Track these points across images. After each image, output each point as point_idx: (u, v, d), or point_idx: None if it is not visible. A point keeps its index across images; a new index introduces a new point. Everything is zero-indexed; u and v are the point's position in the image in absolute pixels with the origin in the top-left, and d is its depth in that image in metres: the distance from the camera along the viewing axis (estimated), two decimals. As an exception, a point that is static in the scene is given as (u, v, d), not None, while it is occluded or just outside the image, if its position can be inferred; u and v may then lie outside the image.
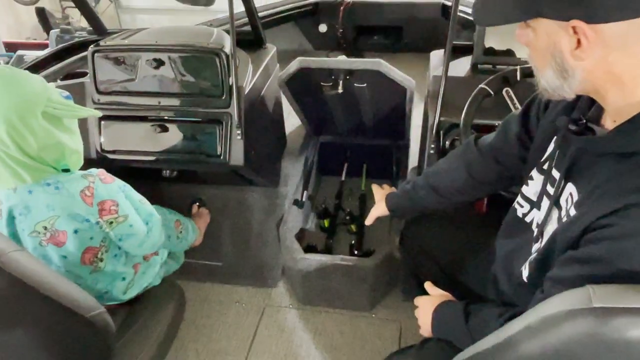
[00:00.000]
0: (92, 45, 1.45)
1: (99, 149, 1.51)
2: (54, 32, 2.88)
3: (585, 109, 0.78)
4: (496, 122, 1.28)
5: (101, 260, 1.16)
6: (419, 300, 1.09)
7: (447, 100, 1.32)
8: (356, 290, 1.63)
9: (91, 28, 1.94)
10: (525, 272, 0.85)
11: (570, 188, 0.76)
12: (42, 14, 3.57)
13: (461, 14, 2.14)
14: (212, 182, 1.78)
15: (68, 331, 0.93)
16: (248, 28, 1.83)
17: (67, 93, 1.10)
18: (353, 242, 1.85)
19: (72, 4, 1.91)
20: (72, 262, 1.11)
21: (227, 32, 1.42)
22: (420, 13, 3.04)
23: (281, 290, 1.81)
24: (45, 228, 1.06)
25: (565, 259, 0.70)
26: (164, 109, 1.48)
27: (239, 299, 1.79)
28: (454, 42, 1.29)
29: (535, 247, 0.83)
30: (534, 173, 0.90)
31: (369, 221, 1.38)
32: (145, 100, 1.48)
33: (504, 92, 1.29)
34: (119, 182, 1.16)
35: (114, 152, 1.51)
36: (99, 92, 1.49)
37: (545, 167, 0.86)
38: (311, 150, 2.13)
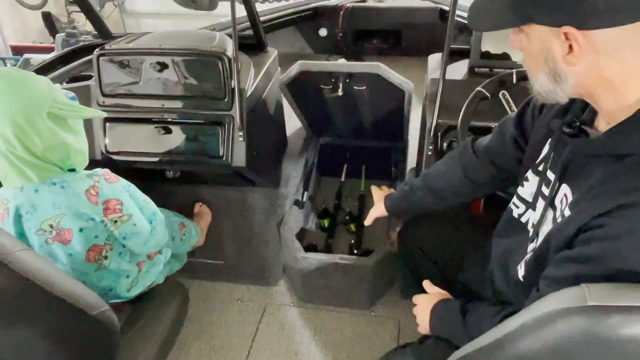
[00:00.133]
0: (97, 49, 1.46)
1: (104, 151, 1.53)
2: (60, 36, 2.90)
3: (579, 111, 0.79)
4: (492, 124, 1.28)
5: (106, 258, 1.17)
6: (417, 299, 1.10)
7: (445, 103, 1.33)
8: (355, 288, 1.64)
9: (96, 32, 1.95)
10: (521, 272, 0.86)
11: (564, 189, 0.77)
12: (48, 18, 3.60)
13: (458, 19, 2.15)
14: (214, 182, 1.79)
15: (73, 329, 0.94)
16: (250, 32, 1.84)
17: (72, 94, 1.11)
18: (352, 241, 1.86)
19: (78, 9, 1.92)
20: (78, 260, 1.13)
21: (230, 36, 1.42)
22: (419, 18, 3.05)
23: (282, 289, 1.83)
24: (51, 226, 1.08)
25: (560, 258, 0.71)
26: (168, 111, 1.49)
27: (241, 297, 1.80)
28: (452, 46, 1.29)
29: (531, 246, 0.84)
30: (529, 174, 0.90)
31: (368, 221, 1.39)
32: (149, 103, 1.49)
33: (500, 94, 1.30)
34: (123, 182, 1.17)
35: (118, 153, 1.52)
36: (103, 94, 1.50)
37: (541, 168, 0.86)
38: (311, 152, 2.14)
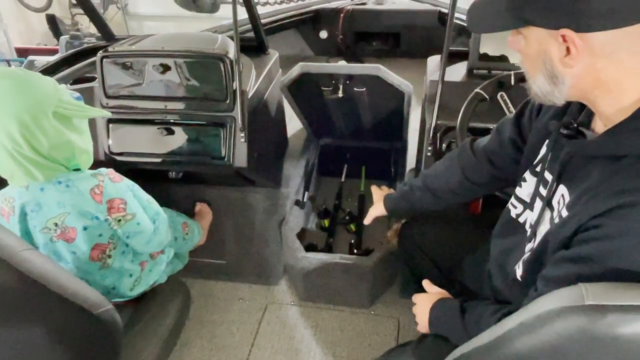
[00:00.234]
0: (100, 51, 1.47)
1: (107, 151, 1.54)
2: (64, 38, 2.90)
3: (576, 113, 0.80)
4: (491, 126, 1.27)
5: (109, 256, 1.18)
6: (417, 298, 1.10)
7: (444, 104, 1.33)
8: (355, 287, 1.65)
9: (100, 34, 1.96)
10: (519, 271, 0.86)
11: (562, 190, 0.77)
12: (52, 20, 3.62)
13: (457, 21, 2.17)
14: (216, 183, 1.79)
15: (77, 327, 0.94)
16: (251, 34, 1.85)
17: (77, 94, 1.12)
18: (352, 241, 1.87)
19: (82, 11, 1.93)
20: (82, 259, 1.14)
21: (231, 38, 1.43)
22: (418, 20, 3.07)
23: (283, 288, 1.84)
24: (56, 224, 1.09)
25: (557, 258, 0.72)
26: (170, 112, 1.50)
27: (242, 296, 1.81)
28: (450, 48, 1.30)
29: (529, 247, 0.84)
30: (527, 175, 0.91)
31: (367, 221, 1.40)
32: (152, 104, 1.50)
33: (498, 96, 1.31)
34: (127, 182, 1.18)
35: (121, 154, 1.54)
36: (107, 96, 1.51)
37: (538, 169, 0.86)
38: (312, 153, 2.16)
